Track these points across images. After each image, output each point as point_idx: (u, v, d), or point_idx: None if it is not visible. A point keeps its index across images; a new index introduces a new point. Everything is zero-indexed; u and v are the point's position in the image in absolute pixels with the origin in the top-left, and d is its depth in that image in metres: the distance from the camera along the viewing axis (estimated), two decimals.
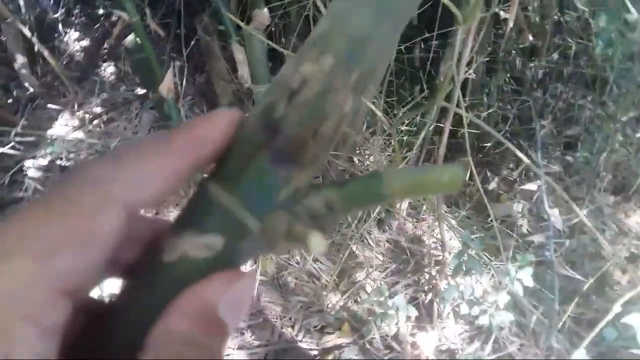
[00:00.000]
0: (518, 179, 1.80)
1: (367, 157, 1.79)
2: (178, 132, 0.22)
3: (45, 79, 2.11)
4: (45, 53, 1.70)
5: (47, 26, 2.29)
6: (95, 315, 0.22)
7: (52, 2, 2.33)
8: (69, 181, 0.20)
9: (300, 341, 1.38)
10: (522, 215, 1.66)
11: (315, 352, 1.36)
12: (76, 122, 1.96)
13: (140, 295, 0.22)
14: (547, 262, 1.42)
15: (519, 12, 1.49)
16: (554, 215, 1.34)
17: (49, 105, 2.02)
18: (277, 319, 1.42)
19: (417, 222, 1.73)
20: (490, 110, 1.73)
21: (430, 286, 1.50)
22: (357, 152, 1.78)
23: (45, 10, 2.31)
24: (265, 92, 0.23)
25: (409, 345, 1.38)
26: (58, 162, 1.80)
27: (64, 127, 1.95)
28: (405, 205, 1.70)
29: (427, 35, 1.52)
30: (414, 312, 1.32)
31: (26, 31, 1.76)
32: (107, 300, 0.24)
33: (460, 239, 1.45)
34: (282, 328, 1.40)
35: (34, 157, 1.80)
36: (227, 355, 1.33)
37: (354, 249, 1.58)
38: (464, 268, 1.30)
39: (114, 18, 2.22)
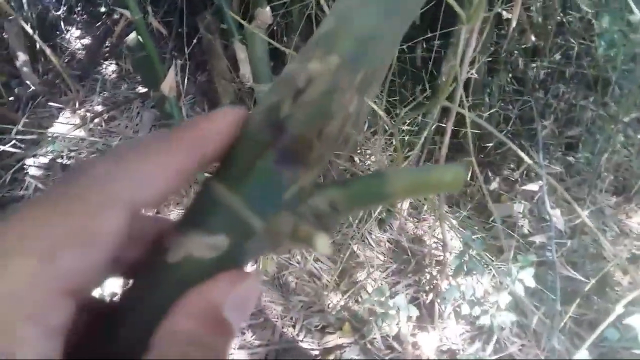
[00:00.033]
0: (519, 180, 1.80)
1: (368, 156, 1.79)
2: (181, 131, 0.22)
3: (46, 77, 2.11)
4: (47, 51, 1.70)
5: (49, 24, 2.29)
6: (97, 314, 0.22)
7: None
8: (72, 180, 0.20)
9: (301, 341, 1.38)
10: (523, 215, 1.66)
11: (316, 352, 1.36)
12: (77, 121, 1.96)
13: (145, 295, 0.22)
14: (549, 262, 1.42)
15: (522, 12, 1.48)
16: (556, 216, 1.33)
17: (50, 103, 2.02)
18: (278, 318, 1.42)
19: (418, 222, 1.73)
20: (491, 111, 1.73)
21: (432, 286, 1.50)
22: (358, 151, 1.78)
23: (47, 8, 2.31)
24: (270, 90, 0.23)
25: (410, 345, 1.38)
26: (59, 160, 1.80)
27: (65, 125, 1.95)
28: (406, 205, 1.70)
29: (429, 35, 1.52)
30: (415, 312, 1.32)
31: (28, 29, 1.76)
32: (108, 299, 0.24)
33: (461, 239, 1.45)
34: (283, 328, 1.40)
35: (35, 156, 1.80)
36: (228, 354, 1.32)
37: (355, 248, 1.57)
38: (465, 268, 1.30)
39: (115, 16, 2.23)
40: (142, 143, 0.21)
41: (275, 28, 1.69)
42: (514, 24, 1.21)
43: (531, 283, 1.22)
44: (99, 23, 2.37)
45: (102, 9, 2.37)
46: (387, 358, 1.35)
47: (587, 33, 1.60)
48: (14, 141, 1.74)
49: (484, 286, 1.34)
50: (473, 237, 1.33)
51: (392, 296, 1.35)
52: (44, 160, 1.80)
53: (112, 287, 1.18)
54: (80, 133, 1.90)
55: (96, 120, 1.96)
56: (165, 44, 2.04)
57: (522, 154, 1.11)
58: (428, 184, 0.23)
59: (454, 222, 1.65)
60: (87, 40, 2.37)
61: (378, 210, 1.59)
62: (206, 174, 0.24)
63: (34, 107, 2.00)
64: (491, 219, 1.65)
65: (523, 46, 1.72)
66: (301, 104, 0.22)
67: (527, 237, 1.60)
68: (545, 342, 1.34)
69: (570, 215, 1.46)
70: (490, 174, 1.81)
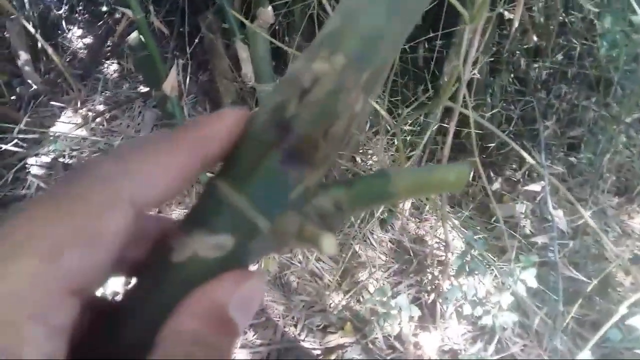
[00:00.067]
0: (521, 180, 1.80)
1: (369, 156, 1.79)
2: (183, 131, 0.22)
3: (48, 76, 2.11)
4: (49, 50, 1.70)
5: (51, 23, 2.29)
6: (99, 313, 0.22)
7: None
8: (76, 179, 0.20)
9: (303, 340, 1.38)
10: (525, 216, 1.66)
11: (318, 352, 1.36)
12: (79, 120, 1.96)
13: (150, 295, 0.21)
14: (551, 263, 1.42)
15: (524, 12, 1.48)
16: (558, 216, 1.33)
17: (52, 103, 2.02)
18: (279, 318, 1.42)
19: (419, 222, 1.72)
20: (493, 111, 1.73)
21: (433, 286, 1.50)
22: (360, 151, 1.78)
23: (48, 7, 2.31)
24: (274, 90, 0.23)
25: (412, 345, 1.37)
26: (61, 159, 1.80)
27: (67, 124, 1.95)
28: (408, 205, 1.70)
29: (431, 34, 1.52)
30: (416, 312, 1.32)
31: (30, 28, 1.76)
32: (111, 298, 0.24)
33: (463, 239, 1.45)
34: (284, 327, 1.40)
35: (37, 155, 1.80)
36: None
37: (357, 248, 1.57)
38: (467, 268, 1.30)
39: (117, 15, 2.23)
40: (145, 143, 0.21)
41: (277, 27, 1.69)
42: (516, 24, 1.21)
43: (533, 283, 1.22)
44: (101, 22, 2.37)
45: (104, 8, 2.38)
46: (388, 358, 1.35)
47: (589, 33, 1.60)
48: (16, 140, 1.75)
49: (486, 286, 1.34)
50: (475, 237, 1.33)
51: (394, 296, 1.35)
52: (46, 159, 1.80)
53: (114, 286, 1.18)
54: (82, 132, 1.90)
55: (98, 119, 1.96)
56: (167, 43, 2.04)
57: (525, 154, 1.11)
58: (432, 184, 0.23)
59: (456, 222, 1.65)
60: (88, 40, 2.37)
61: (380, 210, 1.59)
62: (208, 174, 0.24)
63: (35, 107, 2.00)
64: (493, 219, 1.65)
65: (525, 46, 1.72)
66: (307, 103, 0.22)
67: (529, 237, 1.59)
68: (548, 343, 1.34)
69: (572, 216, 1.46)
70: (492, 174, 1.81)
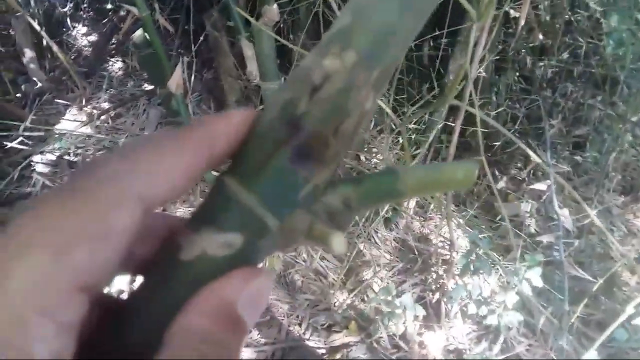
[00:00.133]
0: (526, 179, 1.80)
1: (374, 154, 1.78)
2: (191, 129, 0.22)
3: (53, 74, 2.11)
4: (54, 48, 1.70)
5: (56, 21, 2.30)
6: (107, 310, 0.22)
7: None
8: (84, 176, 0.20)
9: (308, 339, 1.38)
10: (531, 214, 1.65)
11: (323, 351, 1.36)
12: (84, 118, 1.96)
13: (157, 293, 0.21)
14: (556, 262, 1.42)
15: (530, 10, 1.48)
16: (564, 215, 1.33)
17: (57, 100, 2.02)
18: (284, 317, 1.42)
19: (424, 220, 1.72)
20: (499, 110, 1.73)
21: (438, 285, 1.50)
22: (365, 149, 1.78)
23: (53, 5, 2.31)
24: (283, 87, 0.23)
25: (417, 344, 1.37)
26: (66, 157, 1.80)
27: (72, 122, 1.96)
28: (412, 204, 1.70)
29: (436, 32, 1.52)
30: (421, 312, 1.32)
31: (35, 25, 1.77)
32: (117, 295, 0.24)
33: (468, 238, 1.45)
34: (289, 326, 1.40)
35: (42, 152, 1.80)
36: None
37: (361, 247, 1.57)
38: (472, 267, 1.30)
39: (122, 13, 2.23)
40: (151, 141, 0.21)
41: (282, 25, 1.68)
42: (522, 22, 1.21)
43: (538, 282, 1.22)
44: (106, 20, 2.37)
45: (109, 6, 2.38)
46: (393, 357, 1.35)
47: (595, 32, 1.59)
48: (21, 138, 1.75)
49: (491, 285, 1.34)
50: (480, 236, 1.32)
51: (398, 295, 1.35)
52: (51, 157, 1.80)
53: (120, 284, 1.18)
54: (87, 130, 1.90)
55: (103, 117, 1.97)
56: (171, 41, 2.04)
57: (531, 153, 1.11)
58: (440, 181, 0.23)
59: (461, 221, 1.65)
60: (93, 37, 2.38)
61: (384, 209, 1.59)
62: (214, 172, 0.24)
63: (40, 104, 2.00)
64: (498, 217, 1.65)
65: (531, 45, 1.71)
66: (318, 100, 0.21)
67: (534, 236, 1.59)
68: (553, 342, 1.33)
69: (578, 215, 1.46)
70: (497, 173, 1.81)
